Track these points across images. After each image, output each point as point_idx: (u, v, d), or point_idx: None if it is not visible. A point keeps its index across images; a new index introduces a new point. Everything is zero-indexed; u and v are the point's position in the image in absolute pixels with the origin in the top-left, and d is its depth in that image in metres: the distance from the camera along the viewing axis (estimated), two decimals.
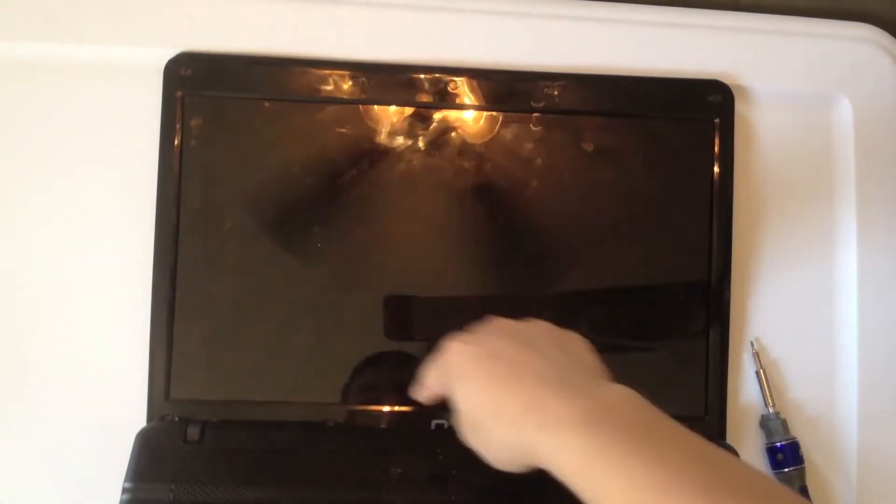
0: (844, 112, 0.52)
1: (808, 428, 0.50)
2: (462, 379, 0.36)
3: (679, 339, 0.49)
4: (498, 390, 0.35)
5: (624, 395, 0.34)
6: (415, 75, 0.48)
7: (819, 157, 0.52)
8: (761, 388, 0.49)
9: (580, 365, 0.37)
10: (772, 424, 0.49)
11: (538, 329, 0.39)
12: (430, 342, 0.47)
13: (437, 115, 0.48)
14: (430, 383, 0.39)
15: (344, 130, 0.47)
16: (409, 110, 0.48)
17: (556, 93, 0.48)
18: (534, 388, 0.34)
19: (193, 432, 0.44)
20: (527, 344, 0.36)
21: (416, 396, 0.41)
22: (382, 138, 0.48)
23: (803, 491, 0.48)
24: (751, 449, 0.49)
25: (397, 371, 0.47)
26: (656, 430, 0.32)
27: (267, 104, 0.47)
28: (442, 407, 0.39)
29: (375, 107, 0.48)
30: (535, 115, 0.48)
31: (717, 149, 0.49)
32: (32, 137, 0.48)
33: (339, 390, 0.47)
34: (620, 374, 0.48)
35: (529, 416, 0.33)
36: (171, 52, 0.47)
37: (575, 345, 0.38)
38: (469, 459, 0.44)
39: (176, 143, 0.46)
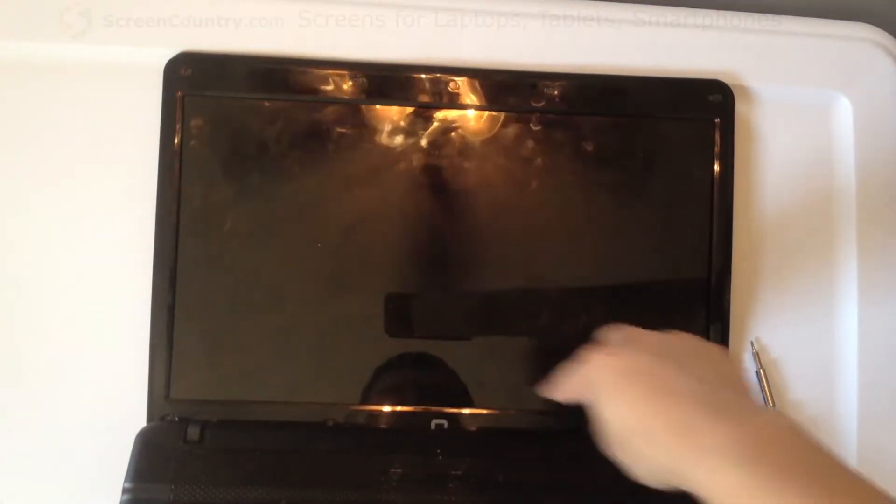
0: (844, 112, 0.52)
1: (808, 428, 0.50)
2: (607, 394, 0.36)
3: None
4: (645, 409, 0.34)
5: (779, 425, 0.33)
6: (415, 75, 0.48)
7: (819, 157, 0.52)
8: (761, 388, 0.49)
9: (727, 385, 0.36)
10: None
11: (682, 343, 0.38)
12: (432, 340, 0.48)
13: (438, 115, 0.48)
14: (568, 390, 0.40)
15: (344, 130, 0.47)
16: (409, 110, 0.48)
17: (556, 93, 0.48)
18: (682, 409, 0.33)
19: (193, 432, 0.44)
20: (672, 360, 0.36)
21: (548, 395, 0.41)
22: (382, 138, 0.48)
23: None
24: None
25: (419, 372, 0.47)
26: (816, 465, 0.31)
27: (267, 104, 0.47)
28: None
29: (375, 106, 0.48)
30: (535, 114, 0.48)
31: (717, 148, 0.49)
32: (32, 137, 0.48)
33: (360, 392, 0.47)
34: None
35: (679, 438, 0.33)
36: (171, 52, 0.47)
37: (721, 362, 0.38)
38: (469, 459, 0.44)
39: (176, 142, 0.46)
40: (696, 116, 0.49)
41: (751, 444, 0.31)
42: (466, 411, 0.47)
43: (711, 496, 0.31)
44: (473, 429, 0.47)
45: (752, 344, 0.50)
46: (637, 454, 0.35)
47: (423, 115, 0.48)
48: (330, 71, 0.47)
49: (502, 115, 0.48)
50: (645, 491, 0.35)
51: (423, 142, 0.48)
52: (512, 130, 0.48)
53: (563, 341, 0.48)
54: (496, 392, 0.47)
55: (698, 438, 0.32)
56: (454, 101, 0.48)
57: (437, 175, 0.48)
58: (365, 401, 0.47)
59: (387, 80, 0.48)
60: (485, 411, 0.47)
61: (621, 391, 0.35)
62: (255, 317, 0.46)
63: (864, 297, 0.50)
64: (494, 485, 0.43)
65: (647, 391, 0.35)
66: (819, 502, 0.29)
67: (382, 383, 0.47)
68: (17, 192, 0.48)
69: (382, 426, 0.47)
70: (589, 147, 0.48)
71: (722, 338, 0.48)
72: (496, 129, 0.48)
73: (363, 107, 0.48)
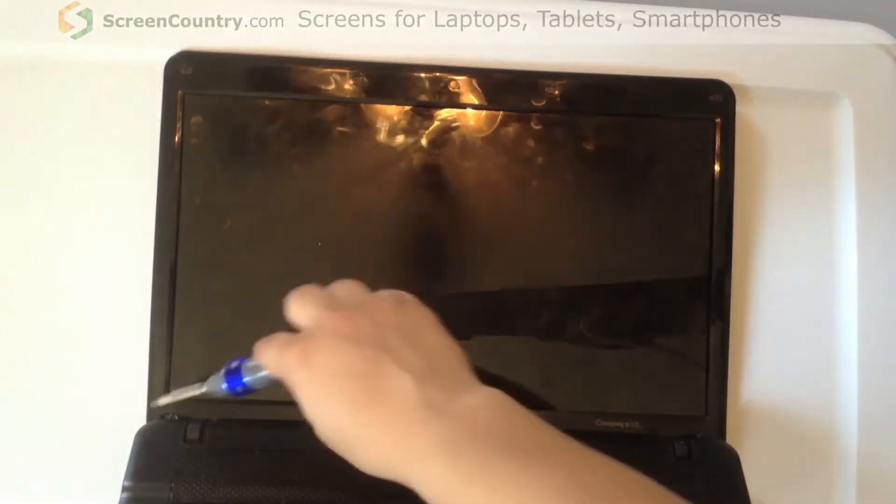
0: (844, 112, 0.52)
1: (808, 428, 0.50)
2: (315, 401, 0.34)
3: (679, 339, 0.48)
4: (361, 419, 0.33)
5: (488, 405, 0.33)
6: (415, 74, 0.48)
7: (819, 157, 0.52)
8: None
9: (440, 368, 0.35)
10: None
11: (384, 320, 0.35)
12: None
13: (438, 114, 0.48)
14: (269, 366, 0.36)
15: (344, 129, 0.47)
16: (409, 109, 0.48)
17: (556, 92, 0.48)
18: (398, 415, 0.32)
19: (193, 431, 0.44)
20: (379, 349, 0.34)
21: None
22: (383, 137, 0.48)
23: None
24: (751, 449, 0.49)
25: None
26: (522, 443, 0.32)
27: (267, 102, 0.47)
28: None
29: (376, 105, 0.48)
30: (535, 114, 0.48)
31: (717, 148, 0.49)
32: (32, 137, 0.48)
33: None
34: (621, 374, 0.48)
35: (397, 448, 0.32)
36: (171, 52, 0.47)
37: (428, 334, 0.36)
38: None
39: (176, 141, 0.46)
40: (697, 116, 0.49)
41: (457, 435, 0.31)
42: None
43: (424, 492, 0.31)
44: None
45: None
46: (354, 454, 0.33)
47: (423, 114, 0.48)
48: (330, 70, 0.47)
49: (503, 114, 0.48)
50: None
51: (424, 141, 0.48)
52: (512, 130, 0.48)
53: (562, 341, 0.48)
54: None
55: (412, 445, 0.32)
56: (454, 101, 0.48)
57: (438, 174, 0.48)
58: None
59: (387, 80, 0.48)
60: None
61: (329, 398, 0.33)
62: (255, 315, 0.46)
63: (864, 297, 0.50)
64: None
65: (359, 397, 0.33)
66: (519, 477, 0.30)
67: None
68: (17, 192, 0.48)
69: None
70: (589, 147, 0.48)
71: (722, 337, 0.48)
72: (496, 128, 0.48)
73: (363, 106, 0.48)
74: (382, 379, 0.33)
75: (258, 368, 0.38)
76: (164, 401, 0.41)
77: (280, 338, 0.36)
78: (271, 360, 0.36)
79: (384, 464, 0.33)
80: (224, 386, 0.39)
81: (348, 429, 0.33)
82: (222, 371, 0.39)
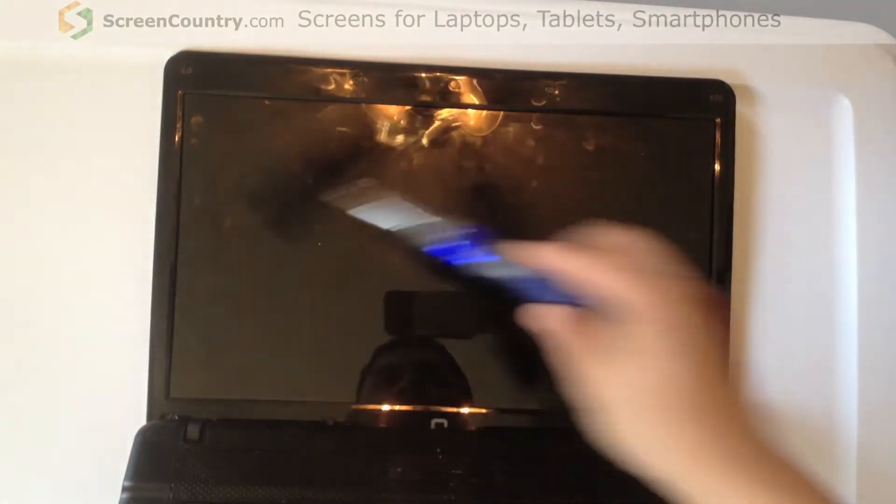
0: (844, 112, 0.52)
1: (808, 428, 0.50)
2: (654, 344, 0.30)
3: None
4: (707, 389, 0.30)
5: (789, 469, 0.32)
6: (416, 74, 0.48)
7: (819, 156, 0.52)
8: None
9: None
10: None
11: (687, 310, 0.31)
12: (432, 338, 0.48)
13: (438, 114, 0.48)
14: (596, 279, 0.32)
15: (345, 129, 0.47)
16: (409, 109, 0.48)
17: (557, 92, 0.48)
18: (727, 404, 0.30)
19: (193, 431, 0.44)
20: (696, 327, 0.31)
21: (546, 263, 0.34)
22: (383, 137, 0.48)
23: None
24: None
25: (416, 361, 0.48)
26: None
27: (268, 102, 0.47)
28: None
29: (376, 105, 0.48)
30: (536, 114, 0.48)
31: (717, 148, 0.49)
32: (32, 137, 0.48)
33: (353, 388, 0.47)
34: None
35: (689, 458, 0.30)
36: (171, 52, 0.47)
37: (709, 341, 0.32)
38: (469, 459, 0.44)
39: (176, 141, 0.46)
40: (697, 116, 0.49)
41: (742, 447, 0.31)
42: (466, 411, 0.47)
43: (699, 494, 0.30)
44: (473, 428, 0.47)
45: None
46: (630, 439, 0.31)
47: (423, 114, 0.48)
48: (330, 70, 0.47)
49: (503, 114, 0.48)
50: (642, 490, 0.35)
51: (424, 141, 0.48)
52: (512, 129, 0.48)
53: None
54: (496, 391, 0.47)
55: (707, 465, 0.30)
56: (455, 101, 0.48)
57: (438, 174, 0.48)
58: (361, 387, 0.47)
59: (387, 80, 0.48)
60: (485, 411, 0.47)
61: (679, 350, 0.30)
62: (255, 316, 0.46)
63: (864, 297, 0.50)
64: (494, 484, 0.43)
65: (706, 368, 0.30)
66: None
67: (380, 369, 0.47)
68: (17, 192, 0.48)
69: (382, 425, 0.46)
70: (590, 146, 0.49)
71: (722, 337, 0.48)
72: (497, 128, 0.48)
73: (363, 106, 0.48)
74: (719, 363, 0.31)
75: (508, 264, 0.33)
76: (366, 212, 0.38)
77: (608, 256, 0.32)
78: (589, 270, 0.32)
79: (660, 459, 0.30)
80: (438, 250, 0.35)
81: (689, 387, 0.30)
82: (453, 234, 0.34)
